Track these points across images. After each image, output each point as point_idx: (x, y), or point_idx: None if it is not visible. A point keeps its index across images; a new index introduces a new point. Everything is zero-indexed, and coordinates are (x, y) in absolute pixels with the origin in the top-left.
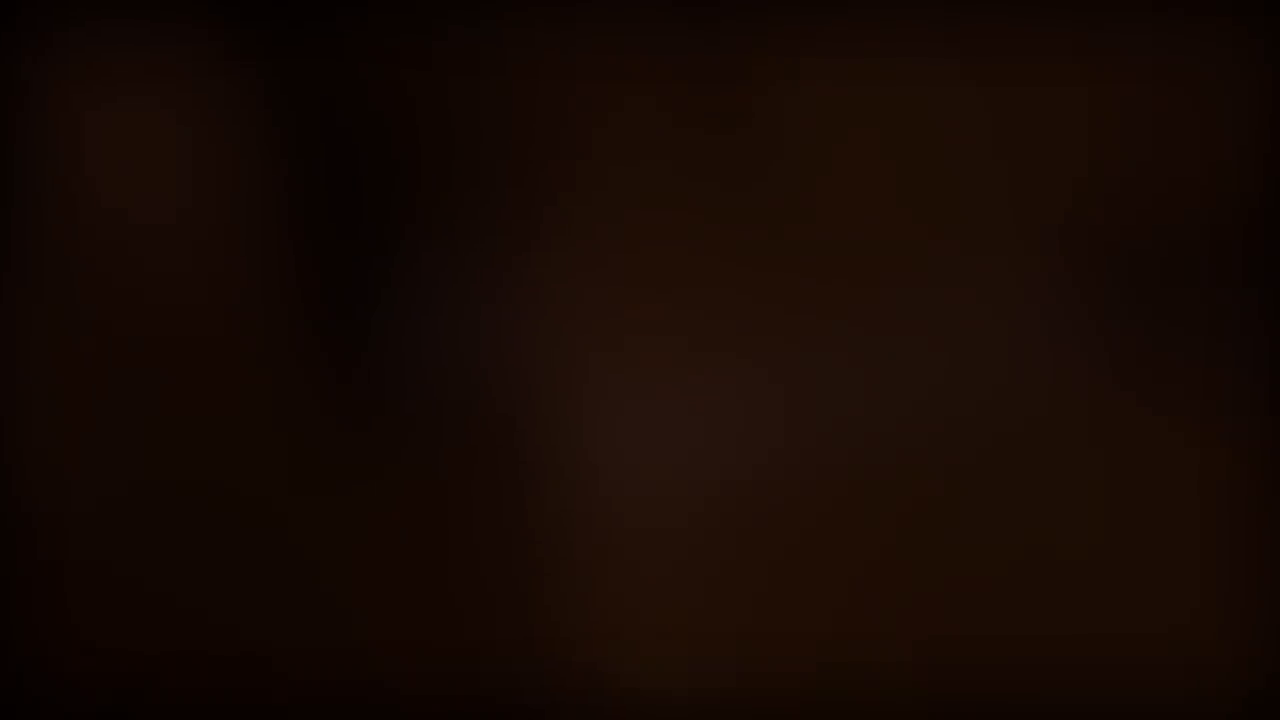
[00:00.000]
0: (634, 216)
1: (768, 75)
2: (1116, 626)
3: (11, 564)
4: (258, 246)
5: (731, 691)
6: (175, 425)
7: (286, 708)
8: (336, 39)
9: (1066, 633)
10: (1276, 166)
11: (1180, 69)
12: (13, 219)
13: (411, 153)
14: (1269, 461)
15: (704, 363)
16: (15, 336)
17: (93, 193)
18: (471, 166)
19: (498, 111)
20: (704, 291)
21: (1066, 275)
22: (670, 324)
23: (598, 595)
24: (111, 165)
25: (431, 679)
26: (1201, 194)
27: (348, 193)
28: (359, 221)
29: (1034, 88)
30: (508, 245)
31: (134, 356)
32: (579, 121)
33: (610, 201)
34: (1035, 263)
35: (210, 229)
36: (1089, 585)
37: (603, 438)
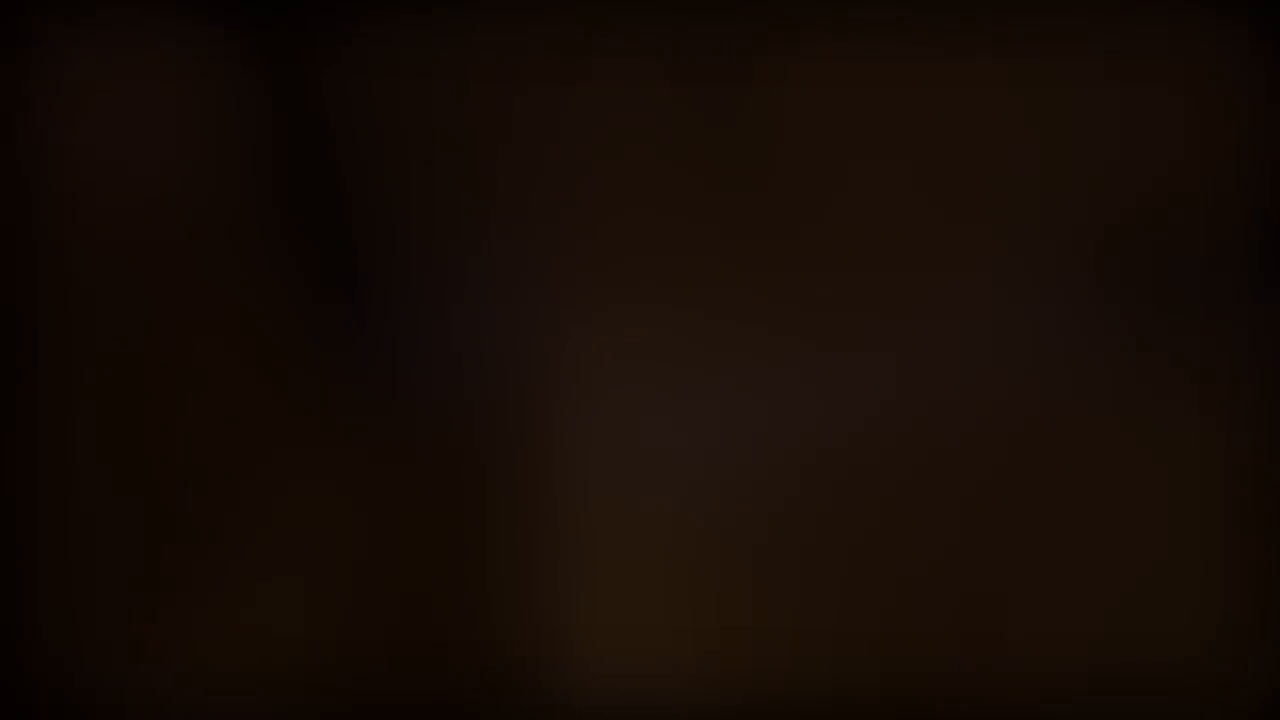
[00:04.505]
0: (638, 215)
1: (775, 72)
2: (1125, 625)
3: (11, 563)
4: (255, 246)
5: (734, 694)
6: (172, 423)
7: (283, 706)
8: (336, 41)
9: (1080, 632)
10: (1276, 164)
11: (1185, 69)
12: (11, 218)
13: (411, 155)
14: (1272, 460)
15: (708, 362)
16: (14, 335)
17: (91, 192)
18: (473, 167)
19: (498, 111)
20: (709, 290)
21: (1078, 273)
22: (674, 323)
23: (600, 597)
24: (109, 164)
25: (425, 678)
26: (1208, 192)
27: (348, 193)
28: (360, 222)
29: (1042, 87)
30: (509, 245)
31: (133, 355)
32: (581, 121)
33: (614, 200)
34: (1048, 261)
35: (207, 227)
36: (1097, 584)
37: (604, 439)
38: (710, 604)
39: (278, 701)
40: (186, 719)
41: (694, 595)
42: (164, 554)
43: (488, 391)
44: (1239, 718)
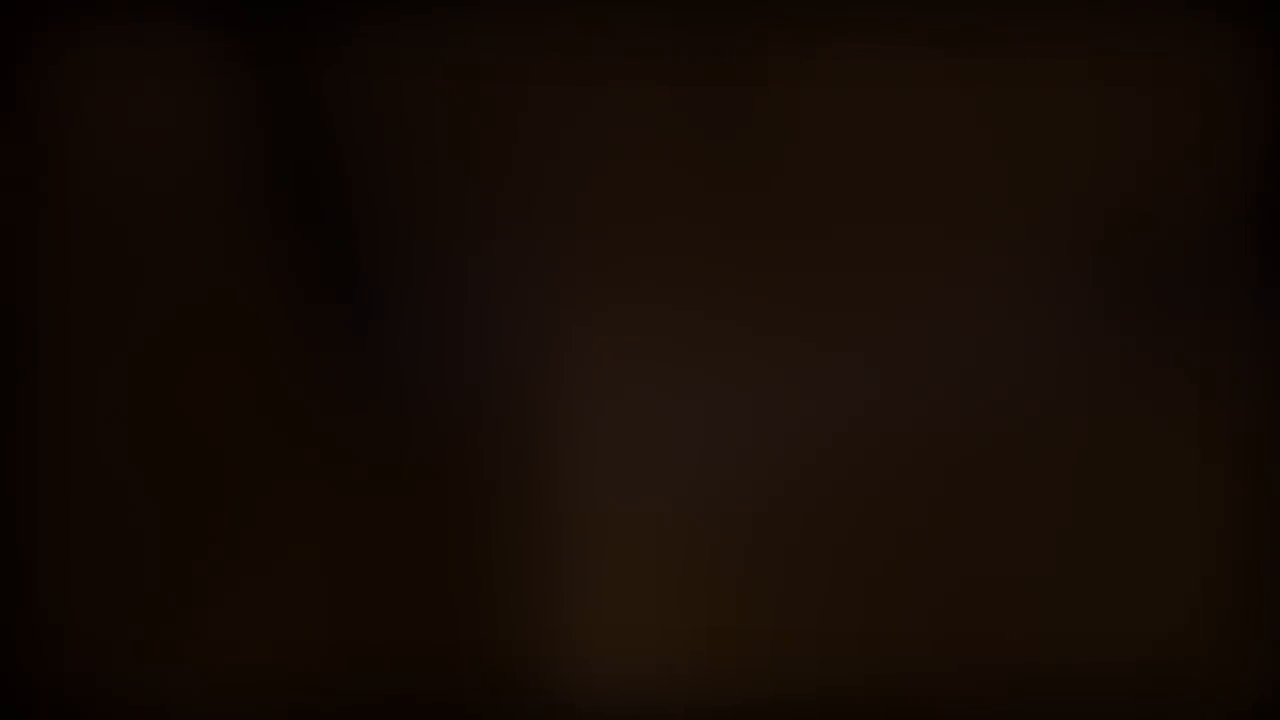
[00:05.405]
0: (638, 215)
1: (775, 75)
2: (1119, 626)
3: (11, 563)
4: (256, 247)
5: (735, 696)
6: (173, 423)
7: (284, 705)
8: (336, 41)
9: (1069, 632)
10: (1276, 166)
11: (1180, 69)
12: (11, 218)
13: (412, 155)
14: (1271, 460)
15: (709, 363)
16: (14, 335)
17: (91, 192)
18: (474, 167)
19: (501, 112)
20: (710, 291)
21: (1072, 273)
22: (675, 324)
23: (600, 597)
24: (110, 164)
25: (427, 678)
26: (1203, 192)
27: (349, 193)
28: (361, 222)
29: (1038, 88)
30: (510, 245)
31: (133, 356)
32: (581, 122)
33: (615, 200)
34: (1042, 261)
35: (208, 227)
36: (1092, 585)
37: (603, 439)
38: (712, 604)
39: (279, 701)
40: (187, 719)
41: (695, 596)
42: (164, 554)
43: (489, 392)
44: (1239, 718)
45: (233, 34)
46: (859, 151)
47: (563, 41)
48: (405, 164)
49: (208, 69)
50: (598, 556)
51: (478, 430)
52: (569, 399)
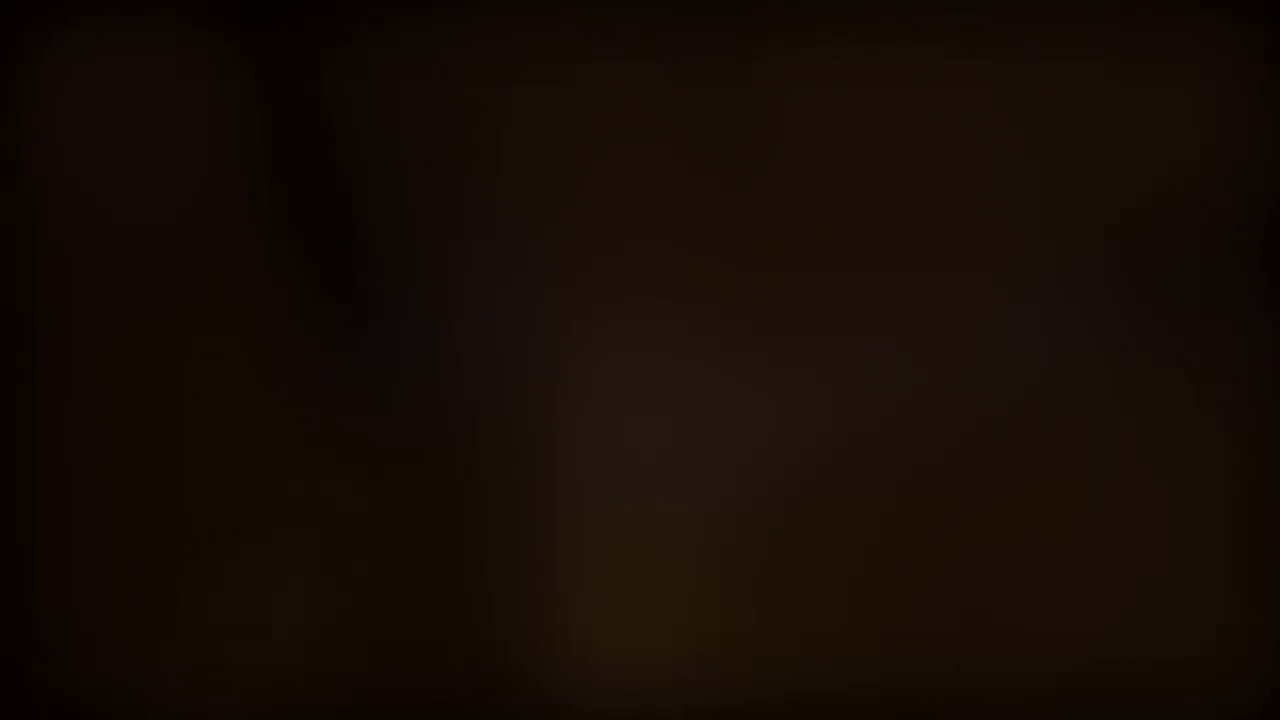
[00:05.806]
0: (638, 214)
1: (775, 72)
2: (1125, 625)
3: (12, 562)
4: (255, 247)
5: (738, 695)
6: (173, 423)
7: (283, 706)
8: (336, 41)
9: (1072, 632)
10: (1278, 163)
11: (1184, 68)
12: (11, 218)
13: (411, 155)
14: (1272, 460)
15: (708, 362)
16: (14, 335)
17: (91, 191)
18: (473, 167)
19: (497, 112)
20: (710, 290)
21: (1077, 270)
22: (675, 324)
23: (600, 597)
24: (109, 163)
25: (426, 678)
26: (1209, 192)
27: (348, 193)
28: (359, 222)
29: (1042, 84)
30: (509, 245)
31: (133, 356)
32: (580, 121)
33: (615, 199)
34: (1045, 259)
35: (207, 227)
36: (1097, 584)
37: (602, 438)
38: (711, 604)
39: (278, 702)
40: (186, 719)
41: (695, 595)
42: (164, 554)
43: (488, 391)
44: (1239, 718)
45: (233, 34)
46: (861, 150)
47: (563, 41)
48: (404, 164)
49: (208, 69)
50: (597, 556)
51: (476, 430)
52: (568, 398)
